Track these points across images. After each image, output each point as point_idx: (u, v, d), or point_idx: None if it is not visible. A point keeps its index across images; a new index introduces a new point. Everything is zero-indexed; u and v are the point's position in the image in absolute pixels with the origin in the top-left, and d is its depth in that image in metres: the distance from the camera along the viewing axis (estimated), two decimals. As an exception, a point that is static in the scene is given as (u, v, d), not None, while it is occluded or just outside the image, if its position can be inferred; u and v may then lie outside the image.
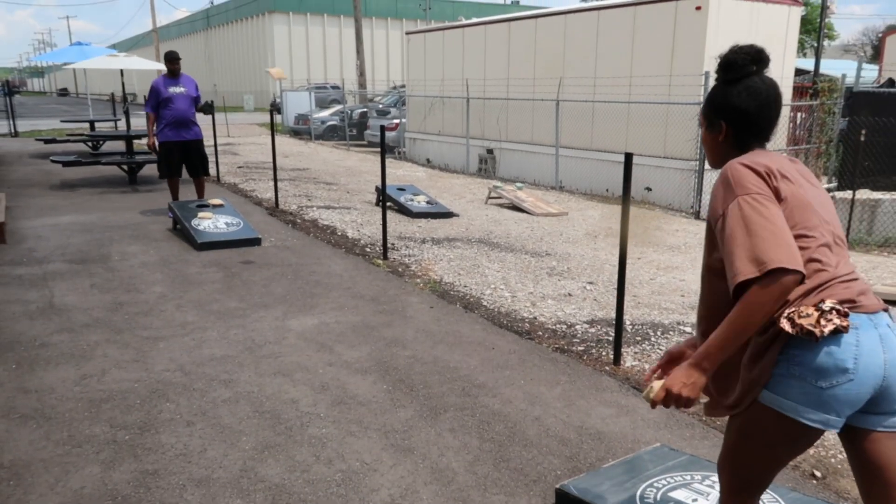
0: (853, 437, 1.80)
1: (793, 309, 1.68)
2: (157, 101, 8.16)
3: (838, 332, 1.63)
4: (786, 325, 1.66)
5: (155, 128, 8.28)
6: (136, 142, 12.69)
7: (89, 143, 13.95)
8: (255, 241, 7.20)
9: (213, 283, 5.83)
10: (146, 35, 57.80)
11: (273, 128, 9.70)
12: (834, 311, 1.64)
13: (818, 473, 3.09)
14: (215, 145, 12.29)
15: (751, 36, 10.21)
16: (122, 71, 14.66)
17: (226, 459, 3.08)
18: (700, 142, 9.32)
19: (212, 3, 55.21)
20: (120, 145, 14.12)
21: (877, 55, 29.75)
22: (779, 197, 1.74)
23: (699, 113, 2.07)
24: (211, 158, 12.66)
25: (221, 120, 23.23)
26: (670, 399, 1.79)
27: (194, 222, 7.36)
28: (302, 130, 23.25)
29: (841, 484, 3.03)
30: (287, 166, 14.39)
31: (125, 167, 11.38)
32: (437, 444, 3.24)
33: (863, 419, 1.75)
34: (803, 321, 1.65)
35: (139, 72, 30.54)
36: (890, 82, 13.51)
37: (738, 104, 1.90)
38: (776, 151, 1.95)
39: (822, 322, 1.63)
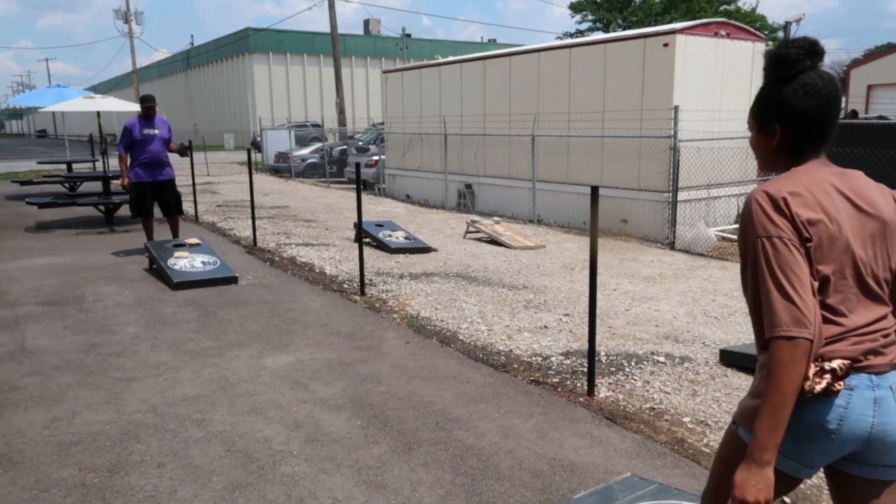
0: (835, 477, 1.76)
1: None
2: (130, 142, 8.25)
3: (829, 393, 1.57)
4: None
5: (128, 168, 8.35)
6: (113, 182, 12.67)
7: (66, 185, 13.91)
8: (232, 280, 7.19)
9: (188, 322, 5.80)
10: (126, 76, 58.02)
11: (251, 166, 9.75)
12: (830, 373, 1.57)
13: (787, 500, 3.12)
14: (193, 184, 12.31)
15: (717, 71, 10.52)
16: (98, 112, 14.68)
17: (196, 500, 3.05)
18: (672, 167, 9.58)
19: (192, 44, 55.67)
20: (97, 186, 14.08)
21: (843, 87, 30.64)
22: (805, 233, 1.59)
23: (748, 115, 1.87)
24: (189, 198, 12.69)
25: (201, 159, 23.29)
26: None
27: (170, 262, 7.34)
28: (282, 168, 23.33)
29: (810, 509, 3.06)
30: (267, 204, 14.42)
31: (102, 208, 11.35)
32: (409, 479, 3.24)
33: (846, 464, 1.70)
34: None
35: (119, 113, 30.64)
36: (853, 114, 13.91)
37: (796, 104, 1.70)
38: (828, 166, 1.74)
39: (817, 379, 1.57)
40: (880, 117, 12.94)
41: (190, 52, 55.01)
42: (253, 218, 9.72)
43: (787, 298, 1.54)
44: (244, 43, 45.03)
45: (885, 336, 1.65)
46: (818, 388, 1.55)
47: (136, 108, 16.35)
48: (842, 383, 1.57)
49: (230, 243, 9.76)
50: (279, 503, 3.03)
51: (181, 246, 7.85)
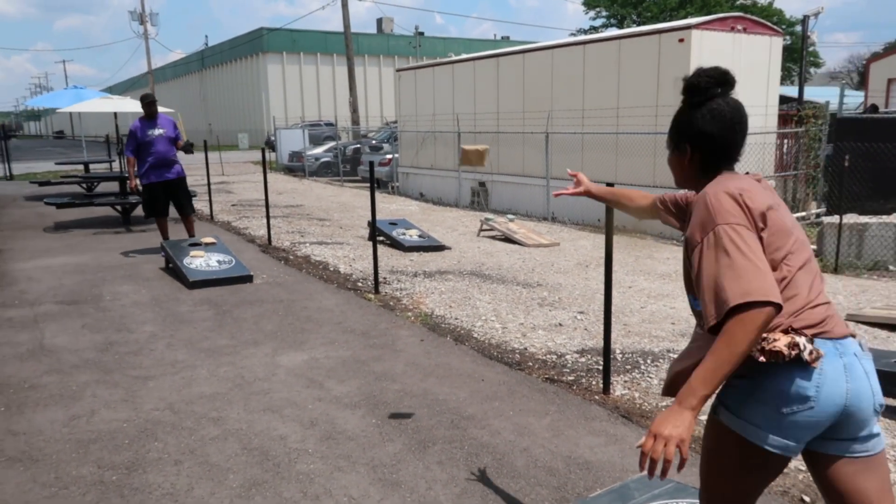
0: (816, 461, 1.81)
1: (764, 336, 1.68)
2: (136, 145, 8.31)
3: (813, 360, 1.64)
4: (758, 356, 1.67)
5: (137, 170, 8.42)
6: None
7: (83, 185, 14.05)
8: (247, 279, 7.23)
9: (204, 321, 5.84)
10: (142, 77, 58.51)
11: (265, 165, 9.79)
12: (807, 341, 1.65)
13: (807, 499, 3.09)
14: (208, 184, 12.38)
15: (734, 65, 10.33)
16: (115, 113, 14.83)
17: (212, 498, 3.07)
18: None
19: (206, 44, 56.04)
20: (114, 186, 14.21)
21: (862, 82, 30.27)
22: (760, 223, 1.73)
23: (667, 136, 2.07)
24: (204, 197, 12.78)
25: (216, 159, 23.43)
26: (660, 442, 1.65)
27: (186, 261, 7.39)
28: (296, 167, 23.43)
29: (830, 508, 3.02)
30: (281, 203, 14.48)
31: (119, 208, 11.45)
32: (424, 477, 3.24)
33: (824, 445, 1.76)
34: (773, 345, 1.66)
35: (134, 114, 30.94)
36: (874, 108, 13.73)
37: (703, 127, 1.90)
38: (744, 174, 1.91)
39: (791, 347, 1.64)
40: (900, 111, 12.75)
41: (204, 52, 55.36)
42: (267, 217, 9.76)
43: (755, 271, 1.61)
44: (258, 43, 45.24)
45: (831, 306, 1.78)
46: (794, 353, 1.63)
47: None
48: (821, 350, 1.65)
49: (245, 242, 9.82)
50: (295, 501, 3.04)
51: (197, 245, 7.90)
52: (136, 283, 7.20)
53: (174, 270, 7.49)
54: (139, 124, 8.35)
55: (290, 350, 5.07)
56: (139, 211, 11.80)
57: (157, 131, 8.37)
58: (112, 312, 6.11)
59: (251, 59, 47.07)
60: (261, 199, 12.17)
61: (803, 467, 3.34)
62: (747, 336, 1.58)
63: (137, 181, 8.45)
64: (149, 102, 8.43)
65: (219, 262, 7.51)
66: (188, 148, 8.93)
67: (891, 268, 7.81)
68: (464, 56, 15.47)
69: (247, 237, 10.26)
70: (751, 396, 1.72)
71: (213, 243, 8.02)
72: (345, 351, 5.03)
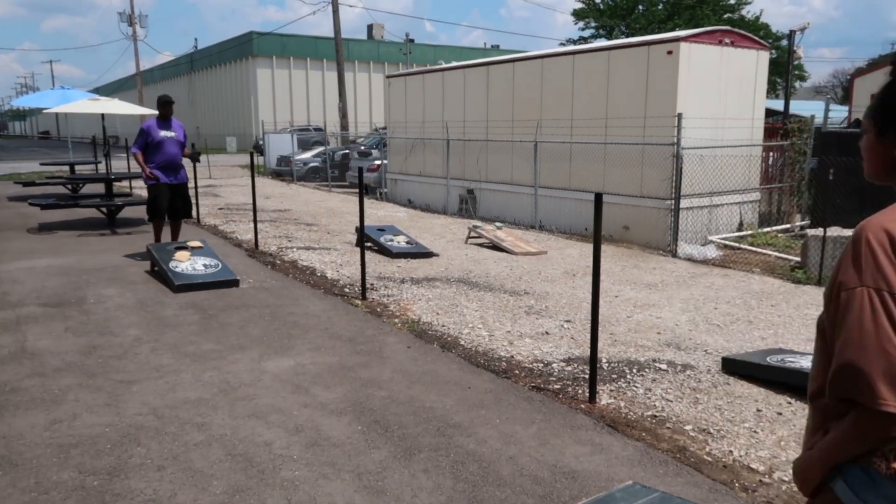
0: None
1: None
2: (145, 143, 8.16)
3: None
4: (880, 463, 1.40)
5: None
6: (115, 184, 12.69)
7: (68, 186, 13.93)
8: (234, 283, 7.18)
9: (190, 325, 5.80)
10: (130, 79, 58.15)
11: (254, 169, 9.75)
12: None
13: (790, 509, 3.11)
14: (196, 187, 12.30)
15: (721, 79, 10.52)
16: (102, 115, 14.72)
17: (196, 504, 3.04)
18: (675, 175, 9.57)
19: (195, 47, 55.81)
20: (100, 188, 14.09)
21: (847, 97, 30.66)
22: None
23: (864, 116, 1.60)
24: (192, 200, 12.68)
25: (204, 162, 23.29)
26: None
27: (172, 264, 7.33)
28: (284, 172, 23.35)
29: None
30: (268, 207, 14.42)
31: (104, 210, 11.36)
32: (410, 485, 3.22)
33: None
34: None
35: (122, 116, 30.71)
36: (857, 123, 13.90)
37: None
38: None
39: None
40: (883, 126, 12.91)
41: (193, 55, 55.13)
42: (255, 221, 9.72)
43: (890, 369, 1.32)
44: (248, 46, 45.12)
45: None
46: None
47: (142, 110, 16.40)
48: None
49: (232, 246, 9.76)
50: (279, 508, 3.02)
51: (183, 248, 7.85)
52: (120, 286, 7.13)
53: (159, 273, 7.43)
54: (154, 123, 8.23)
55: (276, 356, 5.04)
56: (124, 213, 11.73)
57: (170, 133, 8.27)
58: (96, 315, 6.05)
59: (241, 63, 46.94)
60: (248, 203, 12.12)
61: (787, 478, 3.36)
62: (866, 440, 1.38)
63: (150, 171, 8.18)
64: (165, 103, 8.29)
65: (205, 265, 7.46)
66: (195, 156, 8.84)
67: (873, 281, 7.90)
68: (454, 64, 15.51)
69: (234, 241, 10.20)
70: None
71: (199, 247, 7.97)
72: (331, 357, 5.01)
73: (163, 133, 8.20)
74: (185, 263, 7.43)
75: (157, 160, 8.20)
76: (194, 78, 54.98)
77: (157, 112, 8.35)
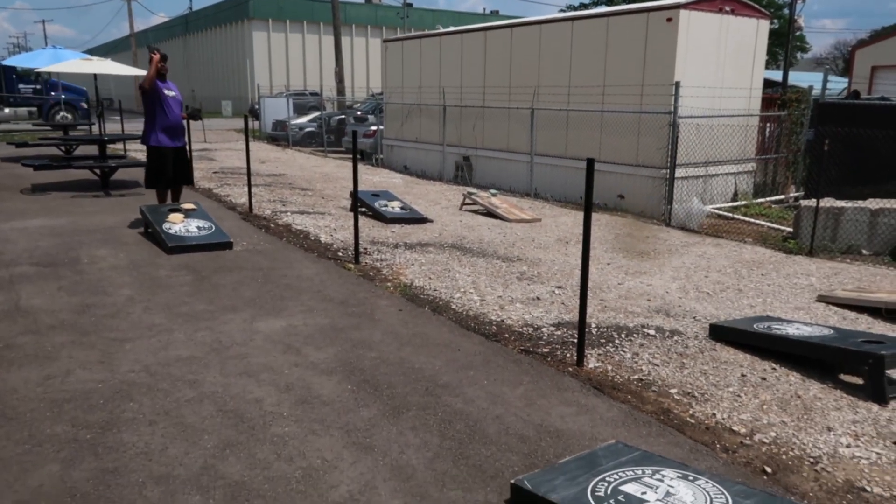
0: None
1: None
2: (155, 97, 7.86)
3: None
4: None
5: (147, 131, 8.00)
6: (109, 146, 12.59)
7: (62, 147, 13.83)
8: (227, 245, 7.20)
9: (183, 286, 5.82)
10: (123, 40, 57.30)
11: (248, 133, 9.69)
12: None
13: (769, 469, 3.18)
14: (190, 150, 12.20)
15: (721, 47, 10.43)
16: (95, 75, 14.55)
17: (187, 457, 3.10)
18: (671, 144, 9.53)
19: (190, 8, 54.93)
20: (93, 149, 13.99)
21: (847, 68, 30.40)
22: None
23: None
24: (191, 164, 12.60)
25: (198, 125, 23.11)
26: None
27: (165, 226, 7.33)
28: (280, 136, 23.19)
29: (790, 479, 3.12)
30: (263, 172, 14.36)
31: (98, 171, 11.30)
32: (397, 441, 3.29)
33: None
34: None
35: (115, 77, 30.29)
36: (856, 94, 13.84)
37: None
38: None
39: None
40: (882, 98, 12.88)
41: (188, 16, 54.27)
42: (249, 185, 9.70)
43: None
44: (244, 8, 44.43)
45: None
46: None
47: (136, 71, 16.19)
48: None
49: (226, 209, 9.75)
50: (268, 462, 3.08)
51: (177, 210, 7.83)
52: (113, 247, 7.14)
53: (153, 235, 7.44)
54: (156, 81, 7.96)
55: (268, 316, 5.08)
56: (118, 175, 11.67)
57: (172, 92, 8.06)
58: (89, 275, 6.07)
59: (236, 26, 46.25)
60: (243, 168, 12.06)
61: (767, 440, 3.44)
62: None
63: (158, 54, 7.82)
64: (161, 58, 7.98)
65: (198, 227, 7.46)
66: (196, 114, 8.60)
67: (864, 252, 7.95)
68: (452, 29, 15.32)
69: (228, 204, 10.19)
70: None
71: (193, 209, 7.96)
72: (323, 319, 5.06)
73: (167, 91, 8.02)
74: (179, 225, 7.43)
75: (161, 123, 7.97)
76: (189, 40, 54.20)
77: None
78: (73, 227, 8.16)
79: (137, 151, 15.51)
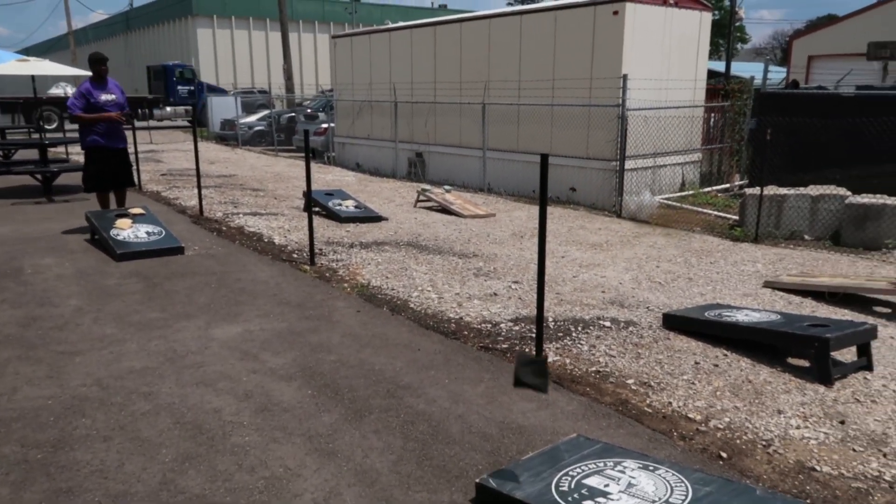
0: None
1: None
2: (84, 106, 7.67)
3: None
4: None
5: (83, 137, 7.78)
6: (50, 150, 12.15)
7: (-1, 152, 13.28)
8: (178, 250, 7.04)
9: (133, 294, 5.67)
10: (61, 38, 55.34)
11: (196, 133, 9.49)
12: None
13: (724, 454, 3.28)
14: (136, 153, 11.89)
15: (666, 40, 10.65)
16: (33, 77, 14.01)
17: (144, 473, 3.03)
18: (620, 136, 9.70)
19: (131, 5, 53.34)
20: (34, 153, 13.48)
21: (786, 58, 31.37)
22: None
23: None
24: (133, 166, 12.26)
25: (143, 126, 22.52)
26: None
27: (113, 232, 7.13)
28: (228, 136, 22.75)
29: (745, 463, 3.22)
30: (213, 173, 14.08)
31: (39, 177, 10.90)
32: (361, 446, 3.27)
33: None
34: None
35: (55, 77, 29.23)
36: (794, 84, 14.30)
37: None
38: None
39: None
40: (819, 87, 13.34)
41: (129, 13, 52.67)
42: (199, 187, 9.50)
43: None
44: (187, 5, 43.33)
45: None
46: None
47: (75, 71, 15.66)
48: None
49: (175, 213, 9.53)
50: (230, 473, 3.03)
51: (124, 216, 7.62)
52: (59, 256, 6.90)
53: (100, 242, 7.22)
54: (90, 86, 7.71)
55: (223, 322, 4.99)
56: (61, 180, 11.28)
57: (110, 97, 7.79)
58: (34, 286, 5.86)
59: (180, 22, 45.10)
60: (192, 169, 11.79)
61: (721, 425, 3.54)
62: None
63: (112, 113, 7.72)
64: (97, 60, 7.75)
65: (148, 233, 7.27)
66: (127, 118, 8.38)
67: (806, 237, 8.24)
68: (401, 24, 15.25)
69: (177, 208, 9.96)
70: None
71: (141, 214, 7.76)
72: (280, 323, 4.99)
73: (103, 97, 7.75)
74: (127, 231, 7.23)
75: (97, 127, 7.76)
76: (131, 38, 52.66)
77: (90, 73, 7.96)
78: (15, 235, 7.86)
79: (81, 155, 15.03)
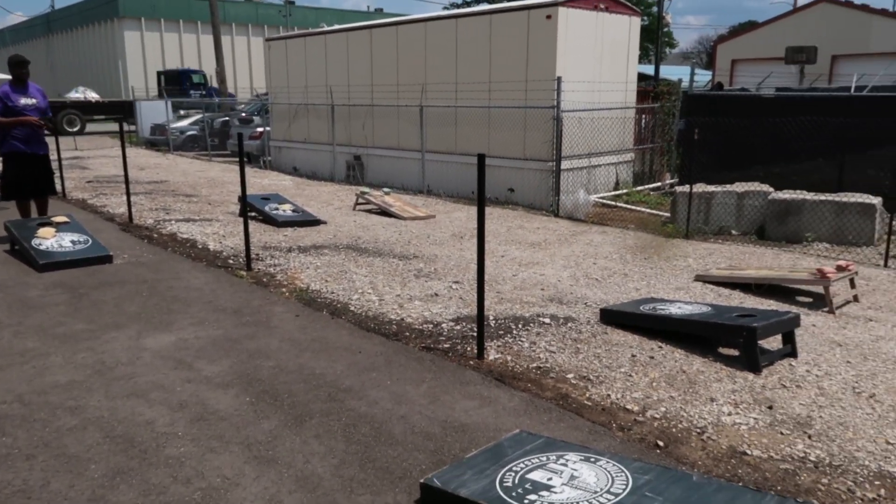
0: None
1: None
2: (4, 109, 7.29)
3: None
4: None
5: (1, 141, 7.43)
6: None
7: None
8: (106, 259, 6.76)
9: (58, 305, 5.42)
10: (-25, 41, 52.58)
11: (123, 138, 9.15)
12: None
13: (661, 443, 3.36)
14: (59, 159, 11.39)
15: (598, 43, 10.89)
16: (-56, 80, 13.23)
17: (72, 490, 2.89)
18: (555, 137, 9.88)
19: (52, 6, 51.14)
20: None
21: (711, 62, 32.58)
22: None
23: None
24: (55, 174, 11.75)
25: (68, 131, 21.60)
26: None
27: (35, 242, 6.79)
28: (159, 141, 22.05)
29: (681, 450, 3.31)
30: (143, 179, 13.61)
31: (-48, 185, 10.28)
32: (301, 451, 3.21)
33: None
34: None
35: (-33, 81, 27.73)
36: (719, 86, 14.87)
37: None
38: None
39: None
40: (742, 89, 13.91)
41: (50, 15, 50.50)
42: (128, 193, 9.16)
43: None
44: (112, 6, 41.83)
45: None
46: None
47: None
48: None
49: (103, 221, 9.16)
50: (164, 486, 2.92)
51: (47, 224, 7.27)
52: (-25, 268, 6.53)
53: (21, 253, 6.87)
54: (9, 90, 7.33)
55: (155, 332, 4.82)
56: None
57: (30, 101, 7.40)
58: (-53, 300, 5.52)
59: (105, 25, 43.50)
60: (119, 176, 11.37)
61: (658, 415, 3.62)
62: None
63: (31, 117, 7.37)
64: (17, 63, 7.37)
65: (73, 241, 6.96)
66: (50, 124, 7.99)
67: (733, 232, 8.57)
68: (336, 27, 15.12)
69: (105, 215, 9.58)
70: None
71: (66, 222, 7.42)
72: (215, 330, 4.86)
73: (23, 101, 7.38)
74: (51, 240, 6.90)
75: (16, 132, 7.40)
76: (53, 41, 50.49)
77: (9, 77, 7.57)
78: (-74, 248, 7.39)
79: (-2, 162, 14.28)
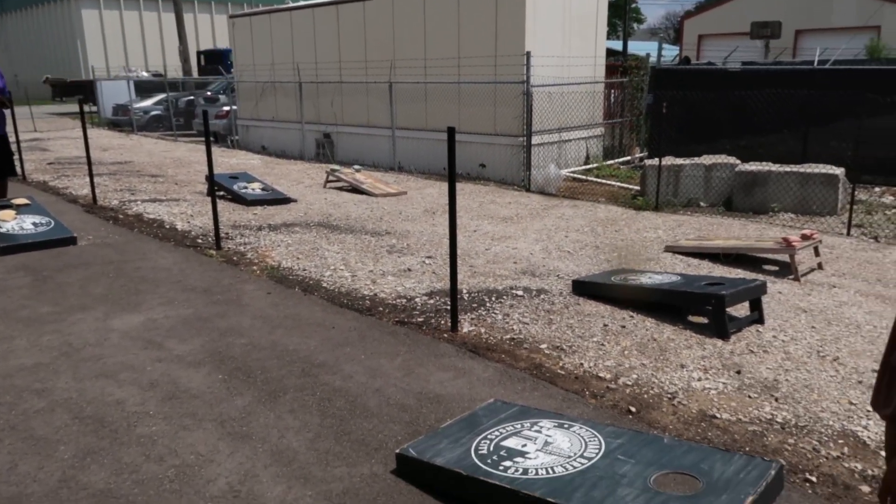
0: None
1: None
2: None
3: None
4: None
5: None
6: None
7: None
8: (70, 241, 6.61)
9: (20, 288, 5.29)
10: (-76, 20, 50.58)
11: (84, 118, 8.91)
12: None
13: (633, 409, 3.41)
14: (17, 141, 11.06)
15: (566, 19, 10.85)
16: None
17: (41, 472, 2.84)
18: (525, 112, 9.87)
19: (4, -16, 49.32)
20: None
21: (678, 37, 32.75)
22: None
23: None
24: (13, 155, 11.41)
25: (26, 113, 20.96)
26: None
27: (-6, 224, 6.61)
28: (122, 122, 21.53)
29: (652, 415, 3.36)
30: (107, 160, 13.29)
31: None
32: (276, 426, 3.19)
33: None
34: None
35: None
36: (686, 60, 14.96)
37: None
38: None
39: None
40: (709, 63, 14.01)
41: (2, -7, 48.71)
42: (91, 174, 8.94)
43: None
44: (68, -17, 40.50)
45: None
46: None
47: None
48: None
49: (66, 202, 8.94)
50: (137, 465, 2.89)
51: (7, 207, 7.08)
52: (-68, 252, 6.34)
53: (-20, 236, 6.68)
54: None
55: (123, 313, 4.73)
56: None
57: None
58: None
59: (62, 4, 42.13)
60: (82, 157, 11.08)
61: (630, 382, 3.68)
62: None
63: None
64: None
65: (34, 224, 6.79)
66: (5, 102, 7.76)
67: (702, 203, 8.67)
68: (302, 3, 14.83)
69: (68, 197, 9.35)
70: None
71: (26, 204, 7.23)
72: (185, 309, 4.79)
73: None
74: (11, 223, 6.72)
75: None
76: (6, 20, 48.82)
77: None
78: None
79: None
